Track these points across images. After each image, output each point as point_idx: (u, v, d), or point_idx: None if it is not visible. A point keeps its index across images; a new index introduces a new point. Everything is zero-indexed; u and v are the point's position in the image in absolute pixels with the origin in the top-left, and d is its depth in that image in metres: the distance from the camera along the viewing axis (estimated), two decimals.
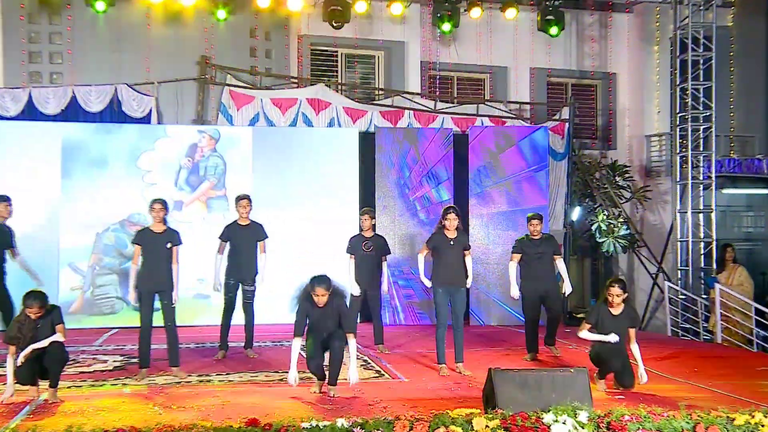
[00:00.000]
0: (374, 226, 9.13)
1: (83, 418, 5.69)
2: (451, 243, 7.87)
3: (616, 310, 7.05)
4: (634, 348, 7.06)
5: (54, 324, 6.41)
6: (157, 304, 7.58)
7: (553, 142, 13.39)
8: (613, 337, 6.91)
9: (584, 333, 7.11)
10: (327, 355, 6.74)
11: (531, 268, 8.53)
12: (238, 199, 8.67)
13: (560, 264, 8.68)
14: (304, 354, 6.71)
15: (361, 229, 9.08)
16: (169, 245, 7.50)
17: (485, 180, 12.12)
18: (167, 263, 7.51)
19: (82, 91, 11.78)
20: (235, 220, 8.68)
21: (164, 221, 7.57)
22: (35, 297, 6.38)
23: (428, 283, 8.05)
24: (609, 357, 6.90)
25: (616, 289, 7.01)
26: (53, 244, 10.87)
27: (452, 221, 7.84)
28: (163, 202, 7.59)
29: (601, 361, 6.97)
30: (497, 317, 11.72)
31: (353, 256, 8.90)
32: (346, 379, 6.60)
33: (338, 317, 6.67)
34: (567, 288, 8.58)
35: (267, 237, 8.73)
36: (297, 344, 6.59)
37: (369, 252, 8.92)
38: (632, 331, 7.10)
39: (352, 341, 6.63)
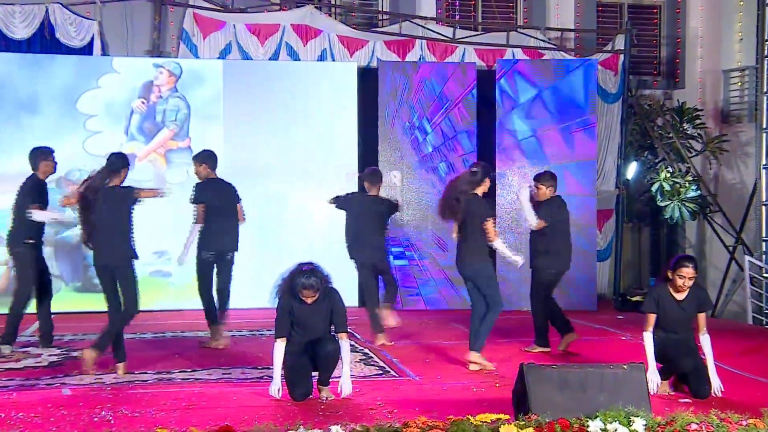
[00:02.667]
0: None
1: (11, 427, 5.72)
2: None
3: (681, 294, 7.01)
4: (705, 341, 6.96)
5: None
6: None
7: (603, 79, 13.31)
8: (653, 383, 6.70)
9: (648, 337, 6.89)
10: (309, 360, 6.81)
11: (549, 239, 8.66)
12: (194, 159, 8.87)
13: None
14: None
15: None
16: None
17: (516, 127, 12.07)
18: (123, 230, 7.52)
19: (2, 11, 11.67)
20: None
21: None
22: None
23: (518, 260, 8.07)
24: (677, 354, 6.87)
25: (689, 270, 6.82)
26: None
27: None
28: (118, 157, 7.66)
29: (667, 359, 6.95)
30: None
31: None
32: (338, 377, 6.66)
33: (329, 315, 6.72)
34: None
35: (239, 200, 8.85)
36: (280, 348, 6.62)
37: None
38: (702, 318, 7.00)
39: (345, 343, 6.68)
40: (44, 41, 11.76)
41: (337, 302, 6.77)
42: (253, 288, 11.04)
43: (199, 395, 6.74)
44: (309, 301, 6.59)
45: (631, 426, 5.41)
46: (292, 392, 6.64)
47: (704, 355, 6.95)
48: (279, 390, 6.60)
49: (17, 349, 8.57)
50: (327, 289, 6.68)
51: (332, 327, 6.76)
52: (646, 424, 5.45)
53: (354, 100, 11.97)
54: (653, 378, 6.70)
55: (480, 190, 7.91)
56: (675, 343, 6.91)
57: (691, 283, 6.89)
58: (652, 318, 6.95)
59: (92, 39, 11.91)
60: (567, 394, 5.77)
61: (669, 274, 6.97)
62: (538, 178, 8.79)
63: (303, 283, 6.52)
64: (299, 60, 12.43)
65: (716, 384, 6.84)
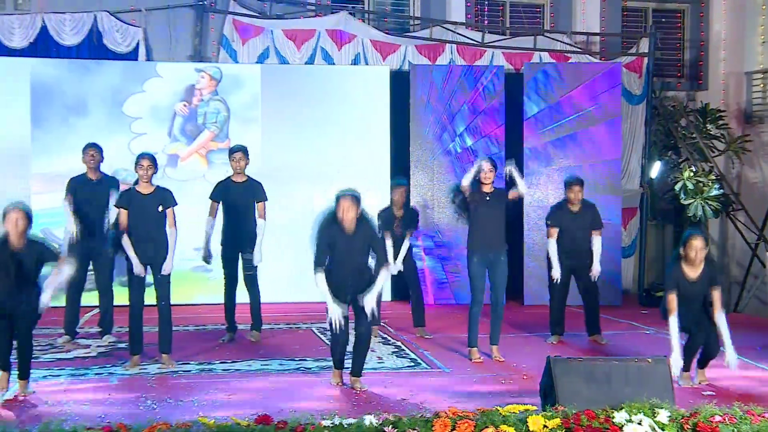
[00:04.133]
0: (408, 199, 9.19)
1: (62, 414, 5.79)
2: (488, 199, 7.89)
3: (695, 271, 6.88)
4: (720, 318, 6.82)
5: (39, 260, 6.47)
6: (149, 278, 7.66)
7: (628, 81, 13.20)
8: (676, 367, 6.61)
9: (673, 321, 6.79)
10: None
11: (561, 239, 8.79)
12: (232, 151, 8.72)
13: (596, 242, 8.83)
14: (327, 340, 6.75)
15: (392, 202, 9.10)
16: (160, 208, 7.56)
17: (544, 129, 12.01)
18: (160, 229, 7.57)
19: (54, 19, 11.80)
20: (229, 176, 8.73)
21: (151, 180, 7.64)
22: (18, 205, 6.47)
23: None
24: (692, 329, 6.83)
25: (698, 241, 6.80)
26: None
27: (487, 173, 7.86)
28: (152, 158, 7.65)
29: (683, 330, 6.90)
30: None
31: (387, 232, 9.00)
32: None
33: (368, 247, 6.70)
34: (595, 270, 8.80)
35: (266, 199, 8.74)
36: (322, 277, 6.59)
37: (399, 232, 9.03)
38: (716, 294, 6.85)
39: (384, 272, 6.72)
40: (92, 47, 11.85)
41: (375, 235, 6.79)
42: (287, 284, 11.14)
43: (239, 386, 6.79)
44: (348, 218, 6.55)
45: (655, 417, 5.39)
46: (332, 344, 6.75)
47: (719, 333, 6.84)
48: (342, 312, 6.56)
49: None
50: (364, 216, 6.70)
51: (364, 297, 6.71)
52: (670, 416, 5.42)
53: (386, 102, 11.95)
54: (677, 362, 6.61)
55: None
56: (689, 317, 6.84)
57: (703, 254, 6.82)
58: (674, 298, 6.82)
59: (137, 45, 11.99)
60: (593, 386, 5.75)
61: (681, 252, 6.91)
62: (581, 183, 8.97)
63: (342, 194, 6.58)
64: (334, 64, 12.45)
65: (732, 358, 6.74)
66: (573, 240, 8.77)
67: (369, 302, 6.60)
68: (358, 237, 6.63)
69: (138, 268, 7.44)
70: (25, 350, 6.52)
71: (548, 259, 8.82)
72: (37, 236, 6.73)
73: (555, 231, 8.77)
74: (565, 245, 8.75)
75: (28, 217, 6.47)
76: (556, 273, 8.68)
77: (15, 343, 6.49)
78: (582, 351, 8.40)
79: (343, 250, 6.64)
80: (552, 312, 9.01)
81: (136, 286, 7.54)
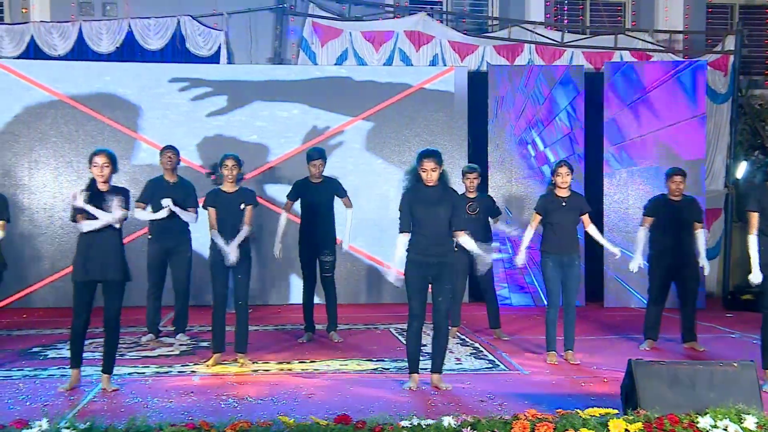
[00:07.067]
0: (479, 186, 9.11)
1: (147, 410, 5.92)
2: (563, 204, 7.84)
3: None
4: None
5: (121, 203, 6.57)
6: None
7: (712, 80, 12.93)
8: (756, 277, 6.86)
9: (752, 240, 6.94)
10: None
11: (662, 235, 8.51)
12: (312, 158, 8.67)
13: (700, 235, 8.57)
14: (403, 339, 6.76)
15: (465, 188, 9.07)
16: (242, 206, 7.65)
17: (625, 129, 11.84)
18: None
19: (139, 24, 12.10)
20: (307, 177, 8.79)
21: (237, 180, 7.73)
22: (104, 150, 6.66)
23: (520, 261, 8.15)
24: None
25: None
26: None
27: (564, 177, 7.81)
28: (236, 158, 7.74)
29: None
30: (637, 298, 11.50)
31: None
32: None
33: (450, 208, 6.66)
34: (704, 264, 8.53)
35: (347, 193, 8.78)
36: (403, 241, 6.69)
37: (473, 214, 8.90)
38: None
39: (464, 238, 6.76)
40: (175, 51, 12.12)
41: (456, 197, 6.80)
42: (365, 285, 11.19)
43: (318, 385, 6.84)
44: (431, 178, 6.59)
45: (742, 423, 5.25)
46: (408, 331, 6.74)
47: None
48: (396, 279, 6.69)
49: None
50: (448, 185, 6.73)
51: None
52: (758, 422, 5.27)
53: (464, 103, 11.92)
54: (755, 278, 7.05)
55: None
56: None
57: None
58: (755, 217, 6.93)
59: (219, 48, 12.22)
60: (676, 390, 5.63)
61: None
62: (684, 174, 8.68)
63: (425, 156, 6.62)
64: (412, 65, 12.46)
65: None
66: (673, 235, 8.47)
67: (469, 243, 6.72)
68: (439, 191, 6.67)
69: (232, 257, 7.46)
70: (112, 336, 6.66)
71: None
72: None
73: (648, 220, 8.58)
74: (665, 241, 8.50)
75: (113, 162, 6.67)
76: (635, 264, 8.44)
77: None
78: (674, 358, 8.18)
79: (424, 203, 6.65)
80: (648, 315, 8.69)
81: (220, 283, 7.65)
